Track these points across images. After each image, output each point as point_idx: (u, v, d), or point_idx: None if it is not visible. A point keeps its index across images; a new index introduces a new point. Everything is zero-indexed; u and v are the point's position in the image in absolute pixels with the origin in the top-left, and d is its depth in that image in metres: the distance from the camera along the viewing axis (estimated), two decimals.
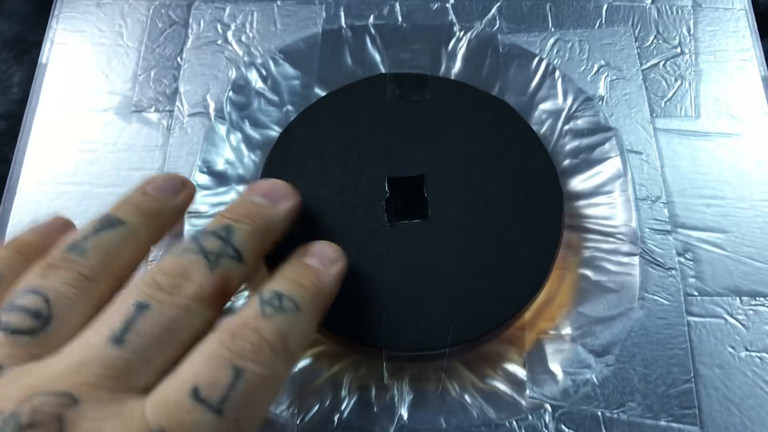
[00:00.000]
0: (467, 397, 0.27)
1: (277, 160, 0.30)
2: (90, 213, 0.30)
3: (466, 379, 0.28)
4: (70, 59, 0.33)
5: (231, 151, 0.32)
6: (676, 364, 0.27)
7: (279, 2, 0.35)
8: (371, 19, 0.35)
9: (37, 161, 0.31)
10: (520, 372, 0.28)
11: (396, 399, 0.27)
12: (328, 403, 0.27)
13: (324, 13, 0.35)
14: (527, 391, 0.27)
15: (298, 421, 0.26)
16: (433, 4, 0.35)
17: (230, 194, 0.31)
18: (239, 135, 0.32)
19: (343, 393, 0.27)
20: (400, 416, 0.27)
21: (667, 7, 0.35)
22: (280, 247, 0.26)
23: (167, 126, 0.32)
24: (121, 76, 0.33)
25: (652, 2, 0.35)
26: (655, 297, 0.29)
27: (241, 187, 0.31)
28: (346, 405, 0.27)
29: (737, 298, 0.29)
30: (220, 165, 0.31)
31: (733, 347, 0.28)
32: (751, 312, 0.28)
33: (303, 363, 0.28)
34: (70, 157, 0.31)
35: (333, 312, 0.27)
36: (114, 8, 0.35)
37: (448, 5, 0.35)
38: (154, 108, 0.32)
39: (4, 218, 0.30)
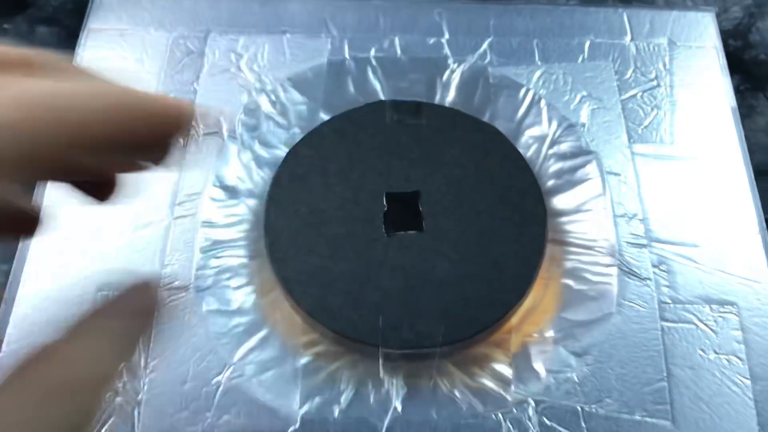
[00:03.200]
0: (457, 393, 0.29)
1: (284, 176, 0.33)
2: (110, 222, 0.32)
3: (456, 377, 0.30)
4: None
5: (242, 168, 0.34)
6: (650, 365, 0.30)
7: (288, 35, 0.38)
8: (372, 52, 0.38)
9: None
10: (506, 371, 0.30)
11: (391, 393, 0.29)
12: (328, 395, 0.29)
13: (330, 46, 0.38)
14: (512, 388, 0.29)
15: (301, 411, 0.28)
16: (429, 39, 0.38)
17: (240, 206, 0.33)
18: (249, 154, 0.35)
19: (342, 387, 0.29)
20: (395, 408, 0.29)
21: (645, 45, 0.38)
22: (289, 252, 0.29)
23: (183, 144, 0.34)
24: None
25: (631, 40, 0.39)
26: (632, 304, 0.31)
27: (250, 201, 0.34)
28: (345, 398, 0.29)
29: (707, 306, 0.31)
30: (231, 180, 0.34)
31: (702, 350, 0.30)
32: (720, 318, 0.31)
33: (304, 360, 0.30)
34: None
35: (335, 313, 0.29)
36: (136, 38, 0.38)
37: (443, 40, 0.38)
38: None
39: None
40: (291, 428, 0.28)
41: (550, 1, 0.42)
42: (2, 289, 0.32)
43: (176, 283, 0.31)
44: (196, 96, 0.36)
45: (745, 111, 0.38)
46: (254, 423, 0.28)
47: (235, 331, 0.30)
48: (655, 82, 0.37)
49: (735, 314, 0.31)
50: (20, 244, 0.32)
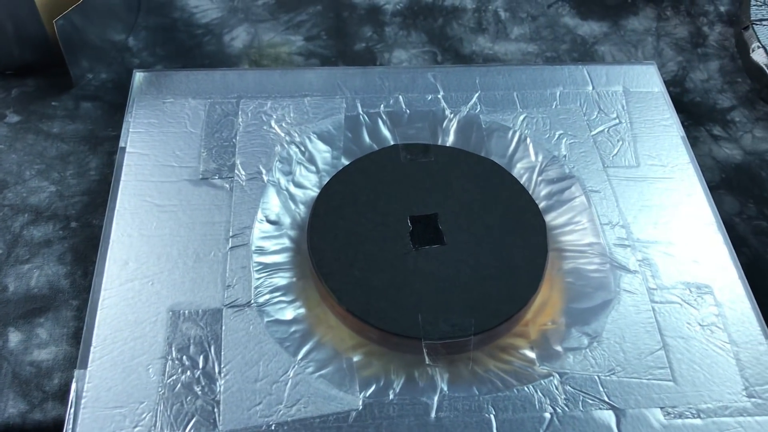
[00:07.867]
0: (492, 374, 0.34)
1: (321, 208, 0.39)
2: (175, 253, 0.37)
3: (489, 363, 0.35)
4: (144, 144, 0.42)
5: (280, 206, 0.40)
6: (648, 338, 0.35)
7: (308, 98, 0.45)
8: (382, 107, 0.45)
9: (125, 219, 0.38)
10: (530, 353, 0.35)
11: (436, 377, 0.34)
12: (383, 382, 0.33)
13: (344, 105, 0.44)
14: (537, 365, 0.34)
15: (361, 395, 0.33)
16: (427, 96, 0.45)
17: (283, 237, 0.38)
18: (286, 194, 0.40)
19: (393, 376, 0.34)
20: (441, 389, 0.33)
21: (605, 92, 0.46)
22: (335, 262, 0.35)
23: (230, 188, 0.40)
24: (188, 154, 0.41)
25: (593, 89, 0.47)
26: (626, 291, 0.37)
27: (291, 232, 0.39)
28: (398, 383, 0.33)
29: (687, 289, 0.37)
30: (273, 216, 0.39)
31: (689, 323, 0.36)
32: (699, 298, 0.37)
33: (357, 357, 0.34)
34: (152, 215, 0.39)
35: (381, 315, 0.34)
36: (176, 106, 0.44)
37: (439, 96, 0.45)
38: (218, 176, 0.40)
39: (101, 267, 0.37)
40: (354, 410, 0.32)
41: (521, 63, 0.50)
42: (81, 317, 0.36)
43: (238, 300, 0.36)
44: (236, 149, 0.42)
45: (692, 141, 0.46)
46: (321, 409, 0.32)
47: (294, 337, 0.35)
48: (617, 120, 0.45)
49: (710, 294, 0.37)
50: (94, 276, 0.36)
